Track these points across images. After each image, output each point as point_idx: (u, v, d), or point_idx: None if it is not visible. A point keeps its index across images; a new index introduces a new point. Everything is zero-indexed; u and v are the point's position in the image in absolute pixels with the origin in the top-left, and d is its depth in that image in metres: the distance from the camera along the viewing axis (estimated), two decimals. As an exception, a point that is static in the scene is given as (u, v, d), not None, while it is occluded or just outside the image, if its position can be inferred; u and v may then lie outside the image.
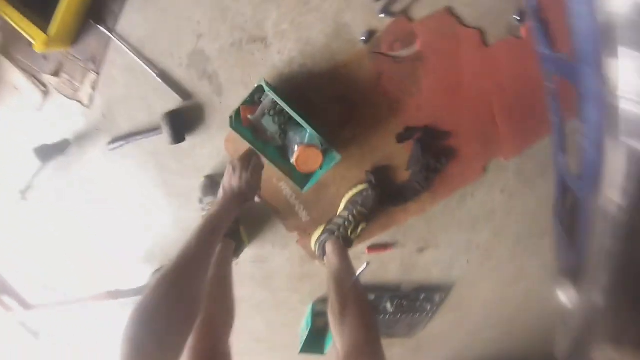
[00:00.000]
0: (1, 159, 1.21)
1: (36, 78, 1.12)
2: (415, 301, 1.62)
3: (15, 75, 1.11)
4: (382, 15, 1.03)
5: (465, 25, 1.09)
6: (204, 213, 1.20)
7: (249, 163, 0.99)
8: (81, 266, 1.42)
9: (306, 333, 1.49)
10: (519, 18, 1.08)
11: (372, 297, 1.56)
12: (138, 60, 1.08)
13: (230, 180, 0.96)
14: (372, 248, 1.45)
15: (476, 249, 1.63)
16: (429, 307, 1.65)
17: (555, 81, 0.94)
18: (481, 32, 1.10)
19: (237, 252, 1.24)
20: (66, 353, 1.68)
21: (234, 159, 1.04)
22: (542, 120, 1.34)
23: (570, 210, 0.94)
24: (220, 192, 0.96)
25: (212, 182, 1.17)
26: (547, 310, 2.09)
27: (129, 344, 0.56)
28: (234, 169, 0.97)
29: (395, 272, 1.56)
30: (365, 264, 1.49)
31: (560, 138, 0.97)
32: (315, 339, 1.53)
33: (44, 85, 1.13)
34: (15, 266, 1.41)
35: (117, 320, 1.60)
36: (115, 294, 1.36)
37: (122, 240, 1.35)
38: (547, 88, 0.98)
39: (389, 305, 1.58)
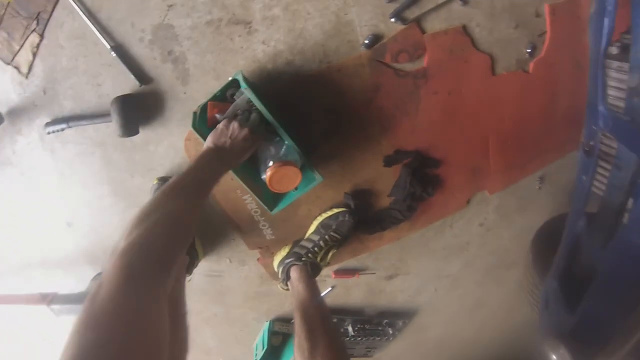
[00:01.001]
0: None
1: (-29, 35, 0.83)
2: (378, 325, 1.45)
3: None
4: (393, 20, 0.79)
5: (477, 49, 0.91)
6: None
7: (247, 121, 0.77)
8: (13, 262, 1.11)
9: (261, 353, 1.26)
10: (530, 51, 0.95)
11: (334, 320, 1.34)
12: (91, 25, 0.80)
13: (220, 135, 0.74)
14: (339, 273, 1.22)
15: (445, 277, 1.46)
16: (390, 332, 1.48)
17: (601, 139, 0.73)
18: (492, 59, 0.93)
19: (190, 268, 0.98)
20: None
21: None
22: (532, 158, 1.20)
23: (575, 276, 0.75)
24: (204, 148, 0.74)
25: (165, 186, 0.89)
26: (500, 336, 2.01)
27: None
28: (227, 122, 0.75)
29: (361, 296, 1.35)
30: (330, 287, 1.28)
31: (585, 201, 0.76)
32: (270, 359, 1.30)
33: (-22, 43, 0.84)
34: None
35: (44, 329, 1.29)
36: (50, 298, 1.05)
37: (59, 237, 1.05)
38: (586, 145, 0.77)
39: (350, 329, 1.39)
